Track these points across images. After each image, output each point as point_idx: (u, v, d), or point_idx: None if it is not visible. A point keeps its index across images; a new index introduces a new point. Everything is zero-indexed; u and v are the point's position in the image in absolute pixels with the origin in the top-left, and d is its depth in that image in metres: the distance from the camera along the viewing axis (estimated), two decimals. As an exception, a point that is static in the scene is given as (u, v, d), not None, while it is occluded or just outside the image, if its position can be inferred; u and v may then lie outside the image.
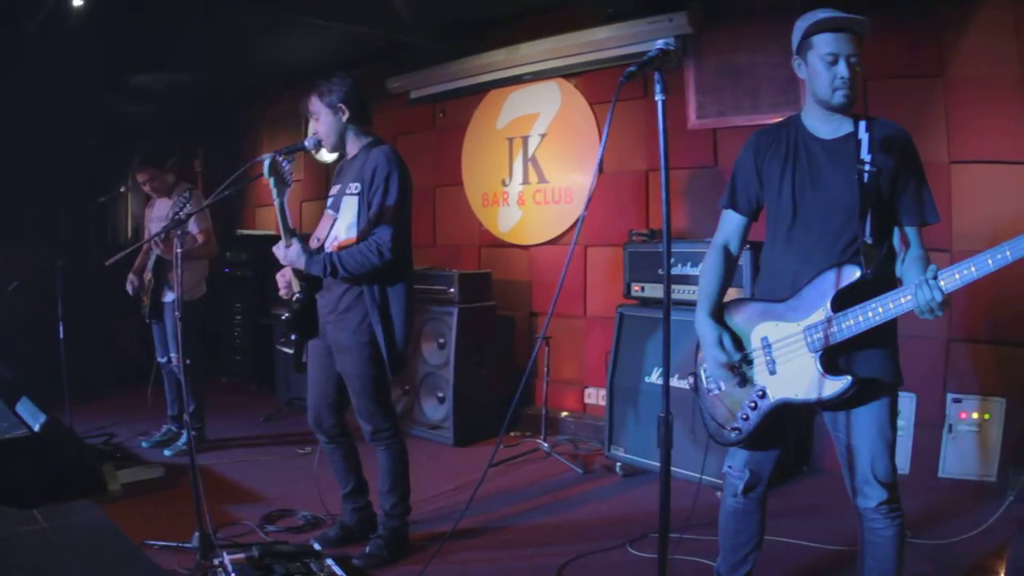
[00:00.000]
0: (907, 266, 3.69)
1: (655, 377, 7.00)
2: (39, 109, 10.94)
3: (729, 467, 4.14)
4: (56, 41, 8.96)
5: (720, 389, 3.99)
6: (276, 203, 5.03)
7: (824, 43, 3.70)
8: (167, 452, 7.94)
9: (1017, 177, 6.40)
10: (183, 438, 8.05)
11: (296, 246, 5.05)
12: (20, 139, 10.78)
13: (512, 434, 8.74)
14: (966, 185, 6.59)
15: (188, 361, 6.16)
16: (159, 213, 8.03)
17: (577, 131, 8.92)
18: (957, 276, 3.23)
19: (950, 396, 6.68)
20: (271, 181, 4.94)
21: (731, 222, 4.18)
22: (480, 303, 8.78)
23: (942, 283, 3.25)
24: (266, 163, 4.93)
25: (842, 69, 3.67)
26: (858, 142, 3.74)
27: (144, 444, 8.29)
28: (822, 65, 3.72)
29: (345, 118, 5.28)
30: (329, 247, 5.27)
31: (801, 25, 3.80)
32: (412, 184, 5.33)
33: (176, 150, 8.84)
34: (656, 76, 3.06)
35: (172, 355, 8.04)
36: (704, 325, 3.98)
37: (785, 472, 6.89)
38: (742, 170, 4.12)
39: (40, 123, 11.11)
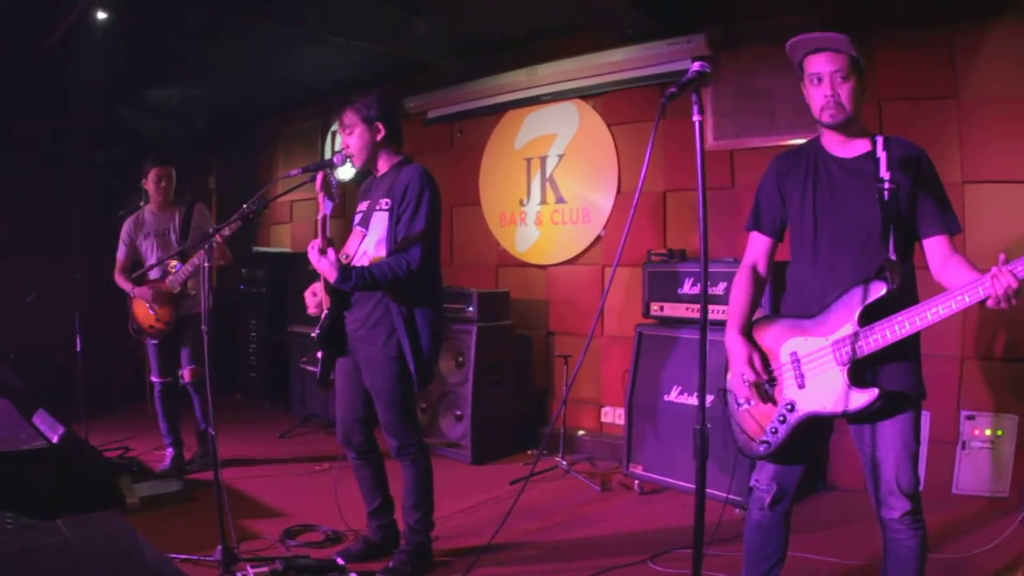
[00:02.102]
0: (943, 268, 3.74)
1: (674, 395, 7.03)
2: (57, 122, 11.00)
3: (756, 481, 4.19)
4: (75, 54, 9.03)
5: (750, 403, 4.04)
6: (320, 215, 5.18)
7: (809, 64, 3.83)
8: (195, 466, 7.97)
9: (1029, 197, 6.45)
10: (197, 453, 8.11)
11: (332, 254, 5.06)
12: (37, 152, 10.84)
13: (529, 452, 8.78)
14: (979, 205, 6.63)
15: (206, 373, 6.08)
16: (159, 227, 7.90)
17: (595, 152, 8.93)
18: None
19: (963, 413, 6.71)
20: (323, 195, 5.06)
21: (758, 244, 4.26)
22: (498, 322, 8.82)
23: (1014, 270, 3.27)
24: (323, 178, 5.11)
25: (826, 87, 3.75)
26: (876, 160, 3.80)
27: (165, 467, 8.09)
28: (811, 86, 3.85)
29: (380, 136, 5.32)
30: (358, 262, 5.29)
31: (788, 51, 3.91)
32: (441, 203, 5.37)
33: (190, 165, 8.82)
34: (694, 97, 3.11)
35: (187, 368, 7.86)
36: (734, 342, 4.04)
37: (801, 489, 6.90)
38: (765, 193, 4.21)
39: (57, 136, 11.17)
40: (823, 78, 3.75)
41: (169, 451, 8.03)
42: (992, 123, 6.61)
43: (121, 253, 7.91)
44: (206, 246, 5.40)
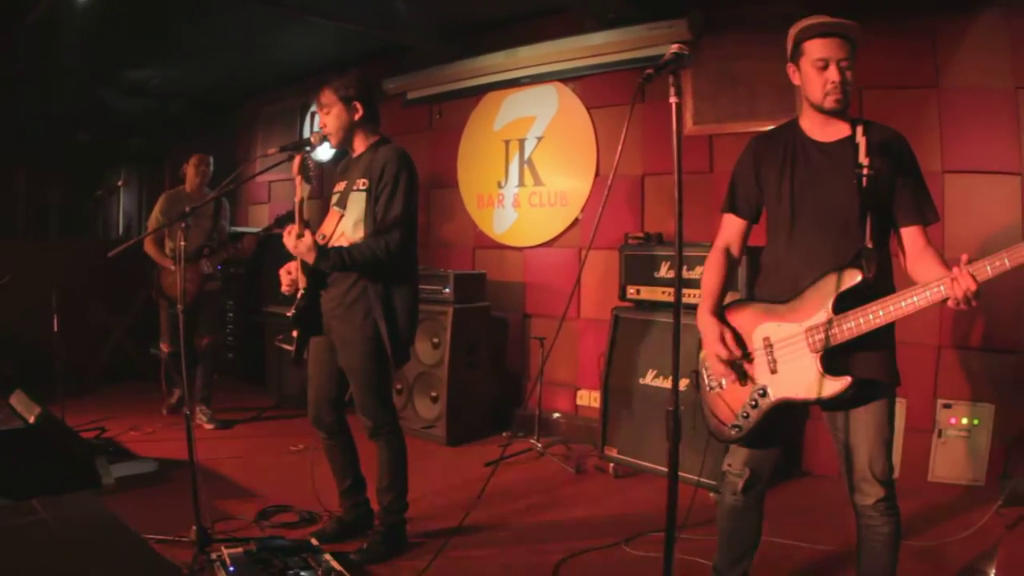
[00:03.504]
0: (915, 261, 3.76)
1: (650, 378, 7.06)
2: (35, 103, 10.95)
3: (728, 465, 4.20)
4: (53, 35, 8.98)
5: (722, 387, 4.04)
6: (297, 198, 5.15)
7: (815, 48, 3.77)
8: (211, 425, 8.93)
9: (1009, 187, 6.47)
10: (209, 414, 9.03)
11: (309, 237, 5.06)
12: (14, 132, 10.79)
13: (504, 434, 8.76)
14: (959, 194, 6.64)
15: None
16: (197, 210, 8.08)
17: (574, 135, 8.92)
18: (989, 268, 3.28)
19: (940, 401, 6.74)
20: (299, 178, 5.07)
21: (732, 226, 4.24)
22: (474, 303, 8.83)
23: (974, 273, 3.29)
24: (300, 161, 5.11)
25: (833, 73, 3.72)
26: (855, 146, 3.79)
27: (164, 411, 9.35)
28: (814, 70, 3.78)
29: (358, 116, 5.30)
30: (335, 243, 5.28)
31: (793, 32, 3.86)
32: (419, 183, 5.37)
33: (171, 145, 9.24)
34: (671, 79, 3.10)
35: (207, 337, 8.94)
36: (706, 322, 4.02)
37: (777, 474, 6.93)
38: (741, 175, 4.19)
39: (35, 117, 11.12)
40: (830, 63, 3.73)
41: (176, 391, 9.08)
42: (973, 113, 6.62)
43: (157, 225, 8.64)
44: (238, 244, 5.66)
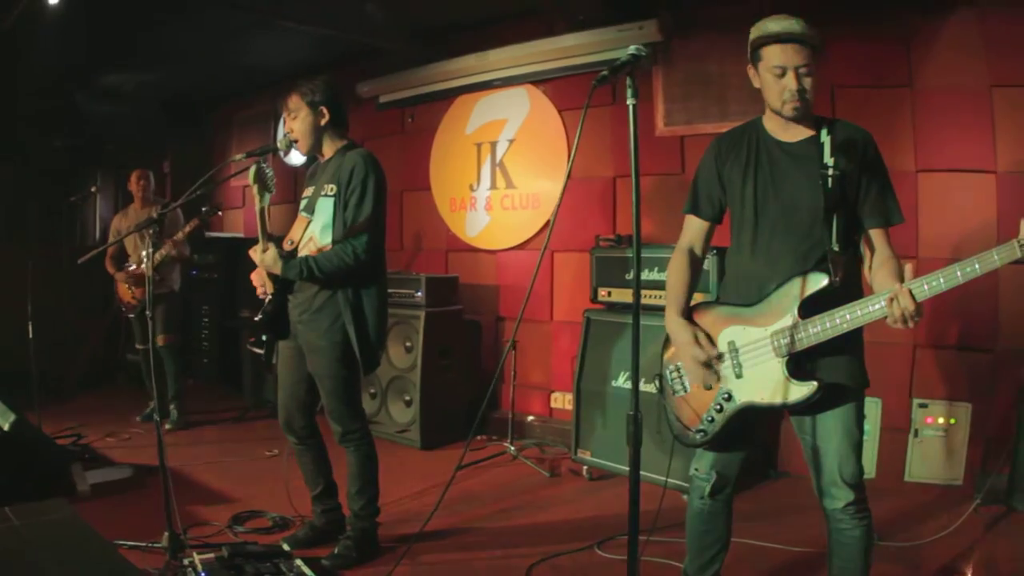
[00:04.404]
0: (876, 270, 3.71)
1: (622, 381, 7.06)
2: (8, 106, 10.90)
3: (696, 469, 4.17)
4: (27, 39, 8.95)
5: (686, 391, 4.03)
6: (257, 208, 5.12)
7: (772, 55, 3.68)
8: (168, 426, 9.09)
9: (982, 186, 6.50)
10: (173, 415, 9.28)
11: (272, 251, 5.07)
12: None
13: (479, 437, 8.76)
14: (933, 193, 6.67)
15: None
16: (139, 223, 8.17)
17: (545, 137, 8.94)
18: (926, 287, 3.26)
19: (916, 401, 6.76)
20: (255, 188, 5.02)
21: (694, 227, 4.19)
22: (447, 307, 8.82)
23: (912, 292, 3.28)
24: (252, 170, 5.03)
25: (790, 82, 3.65)
26: (820, 146, 3.75)
27: (137, 419, 9.35)
28: (771, 77, 3.72)
29: (324, 120, 5.28)
30: (304, 249, 5.27)
31: (751, 35, 3.79)
32: (387, 187, 5.34)
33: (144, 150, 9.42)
34: (628, 81, 3.08)
35: (160, 335, 9.02)
36: (676, 325, 4.00)
37: (752, 475, 6.94)
38: (703, 176, 4.14)
39: (9, 121, 11.07)
40: (787, 71, 3.65)
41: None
42: (946, 112, 6.65)
43: (110, 243, 8.81)
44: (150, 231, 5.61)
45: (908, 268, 3.36)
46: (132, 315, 9.15)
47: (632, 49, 3.14)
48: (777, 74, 3.68)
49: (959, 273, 3.21)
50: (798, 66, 3.63)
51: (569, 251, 8.62)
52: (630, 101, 3.06)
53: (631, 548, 3.21)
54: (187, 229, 8.57)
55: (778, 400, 3.69)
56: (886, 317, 3.40)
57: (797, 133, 3.85)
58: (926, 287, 3.27)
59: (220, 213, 5.66)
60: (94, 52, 9.92)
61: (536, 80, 8.95)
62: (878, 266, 3.71)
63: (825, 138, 3.75)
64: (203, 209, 8.51)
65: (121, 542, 5.35)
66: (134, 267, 8.94)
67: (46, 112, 11.45)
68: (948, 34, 6.63)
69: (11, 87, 10.49)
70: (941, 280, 3.24)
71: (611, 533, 5.83)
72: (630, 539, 3.20)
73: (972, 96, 6.53)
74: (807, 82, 3.66)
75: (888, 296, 3.34)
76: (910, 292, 3.28)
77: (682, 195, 4.34)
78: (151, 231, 5.52)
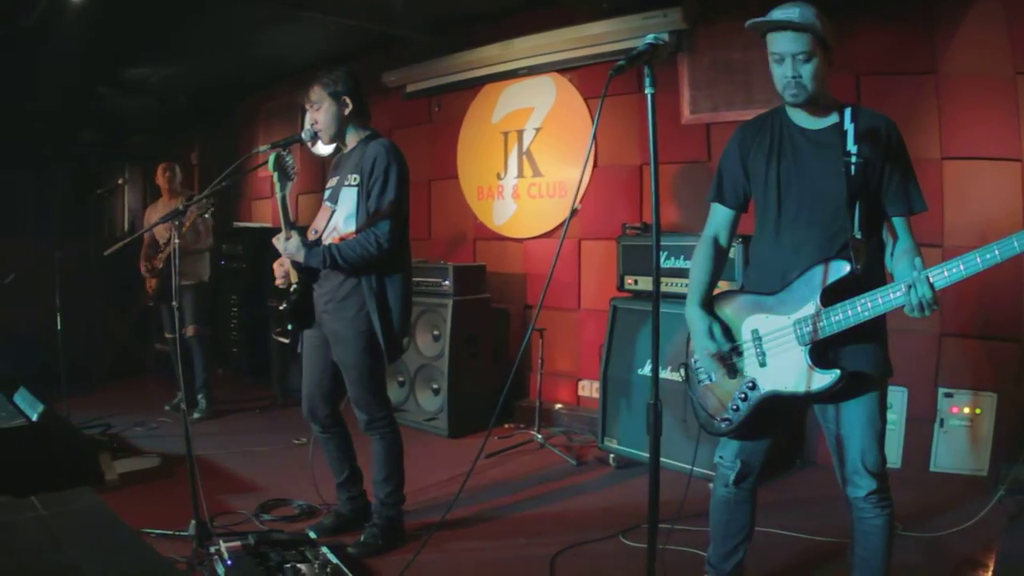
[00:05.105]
0: (897, 259, 3.70)
1: (648, 369, 7.00)
2: (35, 101, 10.95)
3: (720, 457, 4.17)
4: (52, 33, 8.98)
5: (711, 380, 4.02)
6: (278, 196, 5.18)
7: (771, 43, 3.73)
8: (196, 415, 9.13)
9: (1008, 173, 6.42)
10: (201, 404, 9.32)
11: (295, 239, 5.10)
12: (16, 131, 10.80)
13: (506, 425, 8.78)
14: (957, 181, 6.60)
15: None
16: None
17: (572, 125, 8.91)
18: (945, 273, 3.26)
19: (941, 391, 6.69)
20: (275, 175, 5.05)
21: (719, 215, 4.18)
22: (475, 295, 8.81)
23: (931, 280, 3.27)
24: (271, 158, 5.05)
25: (787, 69, 3.67)
26: (843, 133, 3.73)
27: (166, 408, 9.44)
28: (773, 63, 3.75)
29: (347, 111, 5.28)
30: (328, 238, 5.28)
31: (754, 23, 3.80)
32: (409, 176, 5.35)
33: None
34: (646, 70, 3.09)
35: (189, 327, 9.12)
36: (694, 315, 4.00)
37: (777, 465, 6.91)
38: (728, 164, 4.13)
39: (36, 116, 11.12)
40: (784, 58, 3.67)
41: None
42: (971, 99, 6.57)
43: (136, 235, 8.64)
44: (176, 223, 5.61)
45: (919, 261, 3.35)
46: (163, 305, 9.20)
47: (650, 38, 3.14)
48: (776, 60, 3.72)
49: (979, 259, 3.19)
50: (795, 53, 3.64)
51: (596, 239, 8.61)
52: (648, 90, 3.06)
53: (650, 537, 3.21)
54: (187, 223, 8.52)
55: (801, 388, 3.68)
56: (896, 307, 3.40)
57: (821, 119, 3.83)
58: (946, 273, 3.26)
59: (209, 201, 5.66)
60: (119, 47, 9.96)
61: (562, 68, 8.92)
62: (899, 255, 3.69)
63: (849, 125, 3.73)
64: (191, 196, 8.34)
65: (148, 530, 5.40)
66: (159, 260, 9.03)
67: (73, 106, 11.50)
68: (973, 21, 6.55)
69: (36, 81, 10.53)
70: (961, 266, 3.23)
71: (636, 521, 5.79)
72: (650, 528, 3.21)
73: (998, 83, 6.45)
74: (805, 69, 3.65)
75: (906, 283, 3.33)
76: (928, 279, 3.27)
77: (708, 183, 4.32)
78: (176, 223, 5.54)
